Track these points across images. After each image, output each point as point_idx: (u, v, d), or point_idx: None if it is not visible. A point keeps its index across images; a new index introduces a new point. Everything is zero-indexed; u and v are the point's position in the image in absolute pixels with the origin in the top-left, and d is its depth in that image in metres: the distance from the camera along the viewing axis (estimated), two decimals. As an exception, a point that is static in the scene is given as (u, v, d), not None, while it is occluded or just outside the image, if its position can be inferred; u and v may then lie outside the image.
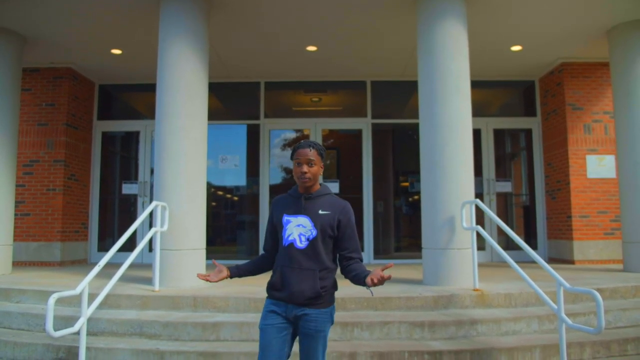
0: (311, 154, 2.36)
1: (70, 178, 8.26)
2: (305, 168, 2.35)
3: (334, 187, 8.73)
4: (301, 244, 2.31)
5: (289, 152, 9.43)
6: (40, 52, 7.66)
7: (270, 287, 2.39)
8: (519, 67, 8.56)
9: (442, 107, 5.41)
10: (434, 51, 5.54)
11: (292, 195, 2.47)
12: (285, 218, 2.38)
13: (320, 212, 2.35)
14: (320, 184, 2.47)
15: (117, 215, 9.29)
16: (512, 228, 8.89)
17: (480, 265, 6.21)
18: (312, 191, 2.41)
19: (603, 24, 6.78)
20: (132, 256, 4.66)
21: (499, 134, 9.26)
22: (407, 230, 9.58)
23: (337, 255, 2.40)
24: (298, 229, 2.33)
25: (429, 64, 5.56)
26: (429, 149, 5.49)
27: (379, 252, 8.90)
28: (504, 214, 9.14)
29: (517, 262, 4.38)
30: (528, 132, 9.20)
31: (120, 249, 8.91)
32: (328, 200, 2.40)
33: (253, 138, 9.15)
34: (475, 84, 8.25)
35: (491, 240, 4.73)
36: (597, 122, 8.13)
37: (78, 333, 3.75)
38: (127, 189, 9.01)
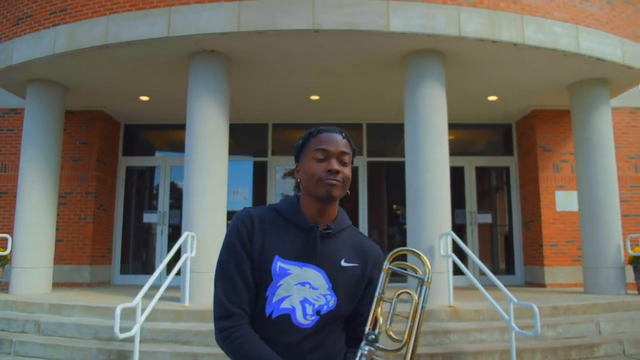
0: (344, 144, 1.39)
1: (99, 208, 9.30)
2: (336, 164, 1.35)
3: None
4: (306, 319, 1.34)
5: (291, 184, 10.62)
6: (77, 98, 8.74)
7: None
8: (497, 113, 9.73)
9: (424, 154, 6.52)
10: (418, 107, 6.68)
11: (288, 218, 1.40)
12: (280, 265, 1.34)
13: (343, 263, 1.39)
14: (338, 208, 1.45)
15: (138, 241, 10.32)
16: (494, 255, 10.07)
17: (459, 287, 7.29)
18: (331, 220, 1.41)
19: (563, 81, 7.95)
20: (169, 278, 5.65)
21: (481, 171, 10.37)
22: (399, 257, 10.55)
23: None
24: (302, 291, 1.34)
25: (414, 118, 6.69)
26: (413, 189, 6.58)
27: (373, 276, 9.91)
28: (488, 242, 10.19)
29: (490, 285, 5.34)
30: (506, 170, 10.32)
31: (141, 272, 9.92)
32: (352, 239, 1.45)
33: (260, 173, 10.25)
34: (458, 126, 9.46)
35: (462, 266, 5.78)
36: (564, 162, 9.25)
37: (132, 338, 4.73)
38: (148, 218, 10.05)
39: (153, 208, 10.18)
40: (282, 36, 6.41)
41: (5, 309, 6.52)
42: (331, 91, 8.47)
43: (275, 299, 1.33)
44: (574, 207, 8.97)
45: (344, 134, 1.41)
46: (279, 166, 10.25)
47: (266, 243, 1.36)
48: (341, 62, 7.26)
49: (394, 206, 10.80)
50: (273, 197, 10.06)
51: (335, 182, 1.33)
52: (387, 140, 10.36)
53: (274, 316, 1.33)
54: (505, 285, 5.98)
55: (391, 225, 10.70)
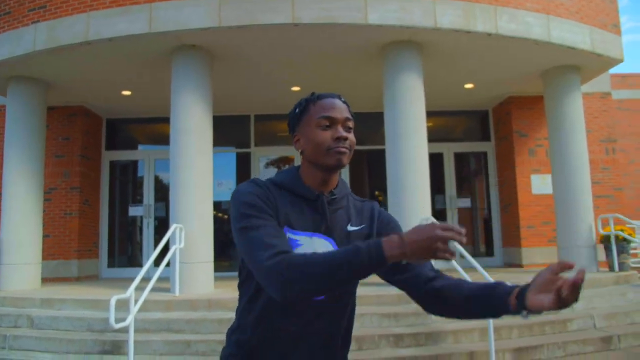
0: (346, 110, 1.38)
1: (85, 203, 9.36)
2: (343, 131, 1.34)
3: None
4: None
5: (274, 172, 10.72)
6: (58, 94, 8.73)
7: None
8: (474, 100, 9.98)
9: (403, 144, 6.74)
10: (396, 98, 6.88)
11: (290, 189, 1.38)
12: (289, 236, 1.31)
13: (349, 227, 1.39)
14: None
15: (124, 235, 10.41)
16: (474, 238, 10.38)
17: (443, 270, 7.52)
18: (333, 188, 1.41)
19: (537, 68, 8.22)
20: (160, 269, 5.78)
21: (459, 156, 10.64)
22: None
23: (409, 283, 1.42)
24: None
25: (393, 108, 6.90)
26: (394, 176, 6.80)
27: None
28: (468, 226, 10.48)
29: (470, 267, 5.62)
30: (484, 155, 10.61)
31: (128, 265, 10.02)
32: (352, 203, 1.45)
33: (244, 164, 10.38)
34: (437, 114, 9.69)
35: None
36: (539, 147, 9.57)
37: (126, 329, 4.88)
38: (133, 211, 10.13)
39: (138, 201, 10.26)
40: (263, 30, 6.53)
41: (-4, 305, 6.61)
42: (312, 82, 8.61)
43: None
44: (549, 190, 9.29)
45: (342, 99, 1.39)
46: (262, 156, 10.40)
47: (281, 214, 1.32)
48: (321, 54, 7.41)
49: (376, 192, 11.04)
50: (257, 187, 10.19)
51: (344, 149, 1.32)
52: (367, 128, 10.54)
53: None
54: (485, 267, 6.27)
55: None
